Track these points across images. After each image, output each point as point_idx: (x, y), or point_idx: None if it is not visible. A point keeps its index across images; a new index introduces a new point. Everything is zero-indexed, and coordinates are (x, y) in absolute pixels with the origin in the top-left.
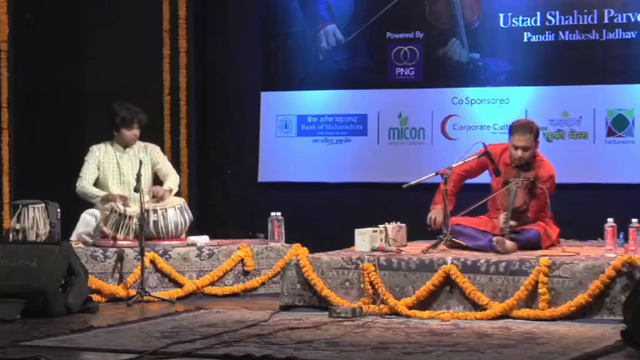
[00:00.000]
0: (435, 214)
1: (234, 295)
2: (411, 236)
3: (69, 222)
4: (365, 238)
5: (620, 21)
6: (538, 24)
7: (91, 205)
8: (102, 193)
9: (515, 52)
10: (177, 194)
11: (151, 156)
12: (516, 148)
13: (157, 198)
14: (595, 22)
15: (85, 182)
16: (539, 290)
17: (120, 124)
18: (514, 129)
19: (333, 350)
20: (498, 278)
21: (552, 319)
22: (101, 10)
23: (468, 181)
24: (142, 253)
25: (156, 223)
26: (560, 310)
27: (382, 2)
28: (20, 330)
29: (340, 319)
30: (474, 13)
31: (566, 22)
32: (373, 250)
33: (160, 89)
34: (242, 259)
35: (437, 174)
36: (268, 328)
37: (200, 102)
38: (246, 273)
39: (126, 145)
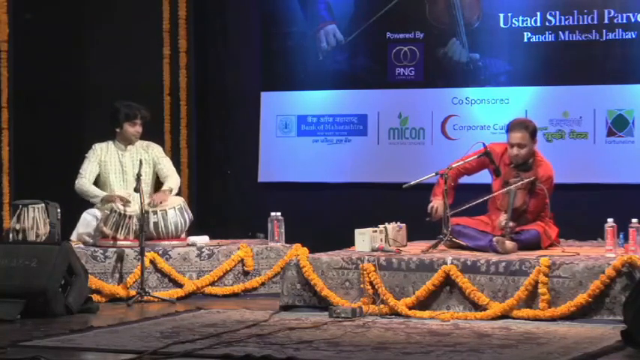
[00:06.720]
0: (437, 204)
1: (234, 295)
2: (411, 236)
3: (69, 222)
4: (365, 238)
5: (620, 21)
6: (538, 24)
7: (91, 205)
8: (102, 193)
9: (515, 52)
10: (178, 194)
11: (152, 155)
12: (512, 145)
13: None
14: (595, 22)
15: (85, 180)
16: (539, 290)
17: (123, 120)
18: (510, 127)
19: (333, 350)
20: (498, 278)
21: (552, 319)
22: (101, 10)
23: (468, 181)
24: (142, 253)
25: (156, 224)
26: (560, 310)
27: (382, 2)
28: (20, 330)
29: (340, 319)
30: (474, 13)
31: (566, 22)
32: (373, 250)
33: (160, 89)
34: (242, 259)
35: (437, 174)
36: (268, 328)
37: (200, 102)
38: (246, 273)
39: (128, 141)
